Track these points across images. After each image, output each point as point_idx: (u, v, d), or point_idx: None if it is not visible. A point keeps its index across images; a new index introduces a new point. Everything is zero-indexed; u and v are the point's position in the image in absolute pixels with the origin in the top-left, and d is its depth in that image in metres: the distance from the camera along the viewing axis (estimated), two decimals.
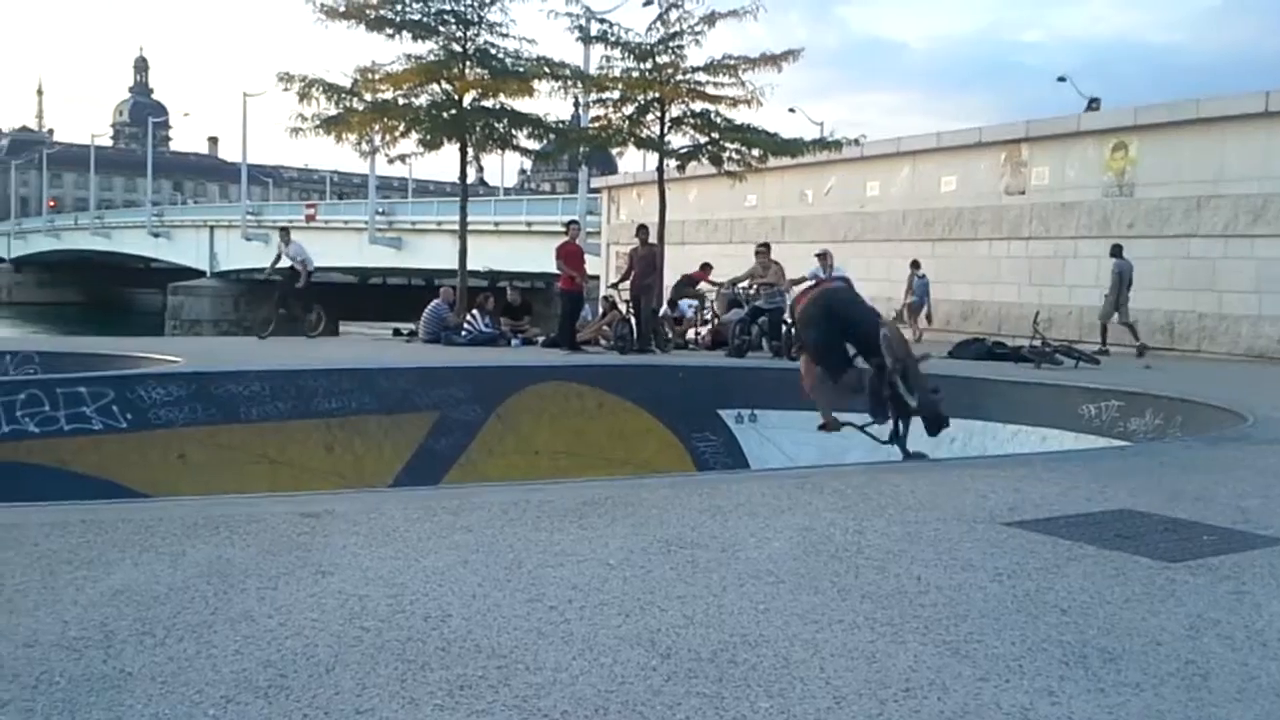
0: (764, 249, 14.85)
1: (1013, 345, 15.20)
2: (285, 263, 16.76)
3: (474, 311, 16.25)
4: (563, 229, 16.52)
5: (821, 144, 19.17)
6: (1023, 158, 18.87)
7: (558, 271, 15.34)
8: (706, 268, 17.60)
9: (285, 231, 17.72)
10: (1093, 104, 20.52)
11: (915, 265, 19.28)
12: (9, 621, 3.01)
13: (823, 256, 14.96)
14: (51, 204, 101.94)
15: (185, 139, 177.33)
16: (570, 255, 14.90)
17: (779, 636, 3.03)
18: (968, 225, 19.72)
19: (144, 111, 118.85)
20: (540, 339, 16.08)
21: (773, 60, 17.40)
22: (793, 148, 18.44)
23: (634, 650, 2.88)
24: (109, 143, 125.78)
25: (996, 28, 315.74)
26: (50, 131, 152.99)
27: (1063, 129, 18.51)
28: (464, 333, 15.80)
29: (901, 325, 16.38)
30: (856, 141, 19.59)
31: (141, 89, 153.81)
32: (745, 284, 14.87)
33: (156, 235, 64.55)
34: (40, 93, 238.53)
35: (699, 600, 3.36)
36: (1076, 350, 13.93)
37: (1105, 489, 5.45)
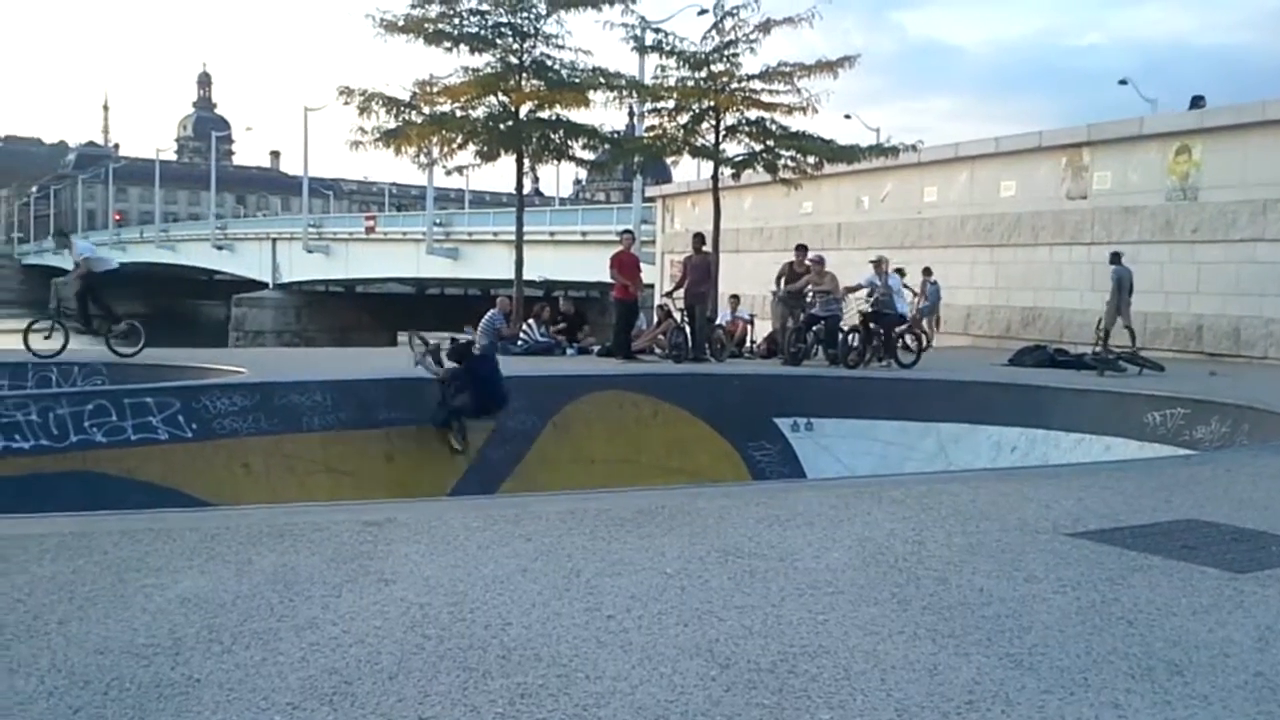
0: (806, 253, 15.09)
1: (1075, 352, 14.98)
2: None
3: (530, 321, 16.35)
4: (617, 238, 16.53)
5: (878, 150, 19.06)
6: (1084, 162, 18.58)
7: (612, 281, 15.37)
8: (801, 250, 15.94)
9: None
10: (1198, 101, 19.75)
11: (928, 272, 19.44)
12: (80, 629, 3.09)
13: (877, 263, 14.86)
14: (118, 218, 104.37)
15: (248, 153, 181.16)
16: (624, 264, 14.91)
17: (839, 648, 3.01)
18: (1028, 230, 19.46)
19: (207, 126, 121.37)
20: (595, 348, 16.13)
21: (828, 67, 17.34)
22: (849, 154, 18.36)
23: (693, 660, 2.88)
24: (173, 157, 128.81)
25: (1054, 31, 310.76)
26: (116, 146, 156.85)
27: (1125, 132, 18.19)
28: (520, 342, 15.90)
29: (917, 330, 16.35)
30: (914, 147, 19.45)
31: (205, 104, 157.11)
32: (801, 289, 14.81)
33: (220, 248, 65.86)
34: (106, 108, 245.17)
35: (757, 610, 3.36)
36: (1140, 357, 13.68)
37: (1170, 498, 5.35)
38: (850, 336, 14.18)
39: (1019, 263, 19.64)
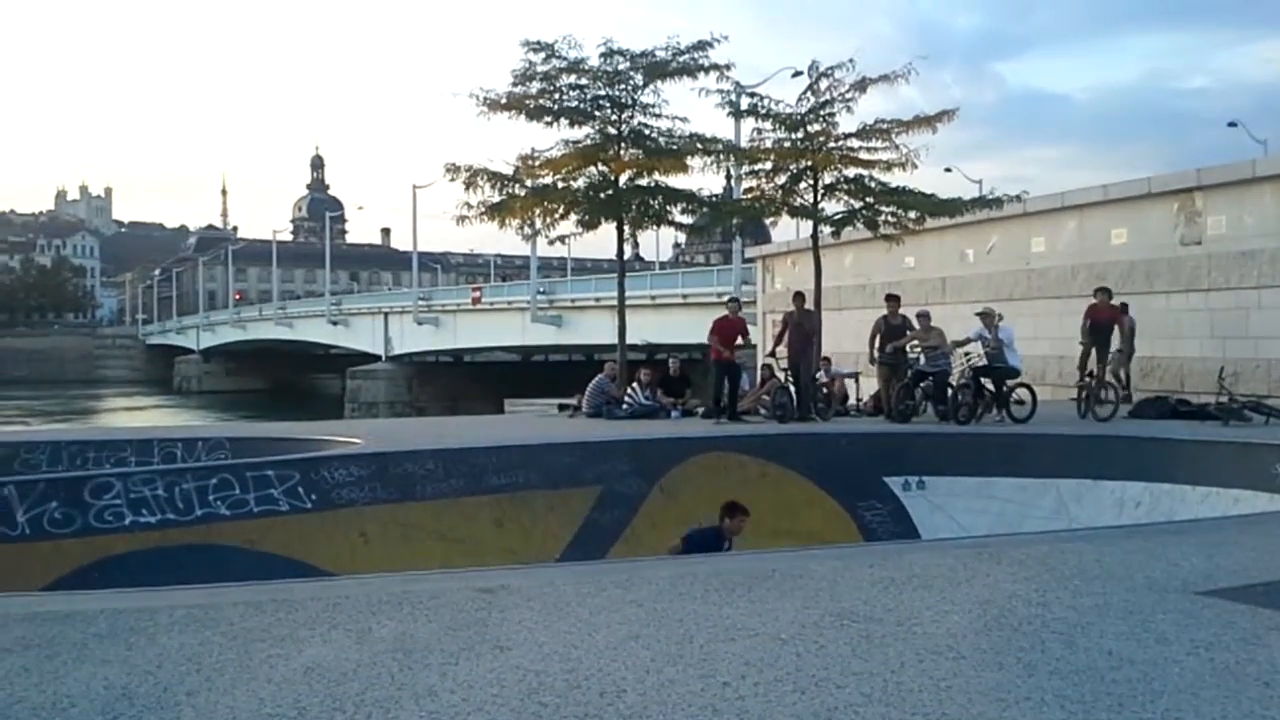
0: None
1: (1197, 402, 14.41)
2: None
3: (634, 384, 16.46)
4: (718, 299, 16.57)
5: (981, 202, 18.79)
6: (1196, 206, 18.02)
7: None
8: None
9: None
10: None
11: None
12: (208, 700, 3.18)
13: (986, 316, 14.58)
14: (238, 297, 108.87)
15: (360, 230, 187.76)
16: (721, 330, 15.02)
17: (962, 716, 2.93)
18: (1141, 278, 18.89)
19: (321, 206, 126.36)
20: (700, 410, 16.12)
21: (927, 121, 17.23)
22: (950, 207, 18.15)
23: None
24: (289, 237, 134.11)
25: (1159, 75, 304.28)
26: (234, 229, 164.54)
27: (1237, 175, 17.61)
28: (624, 406, 15.99)
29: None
30: (1018, 198, 19.11)
31: (318, 185, 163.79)
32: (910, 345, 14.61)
33: (335, 323, 68.03)
34: (224, 192, 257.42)
35: (876, 677, 3.29)
36: (1267, 405, 13.09)
37: None
38: (960, 393, 13.91)
39: (1134, 311, 19.06)
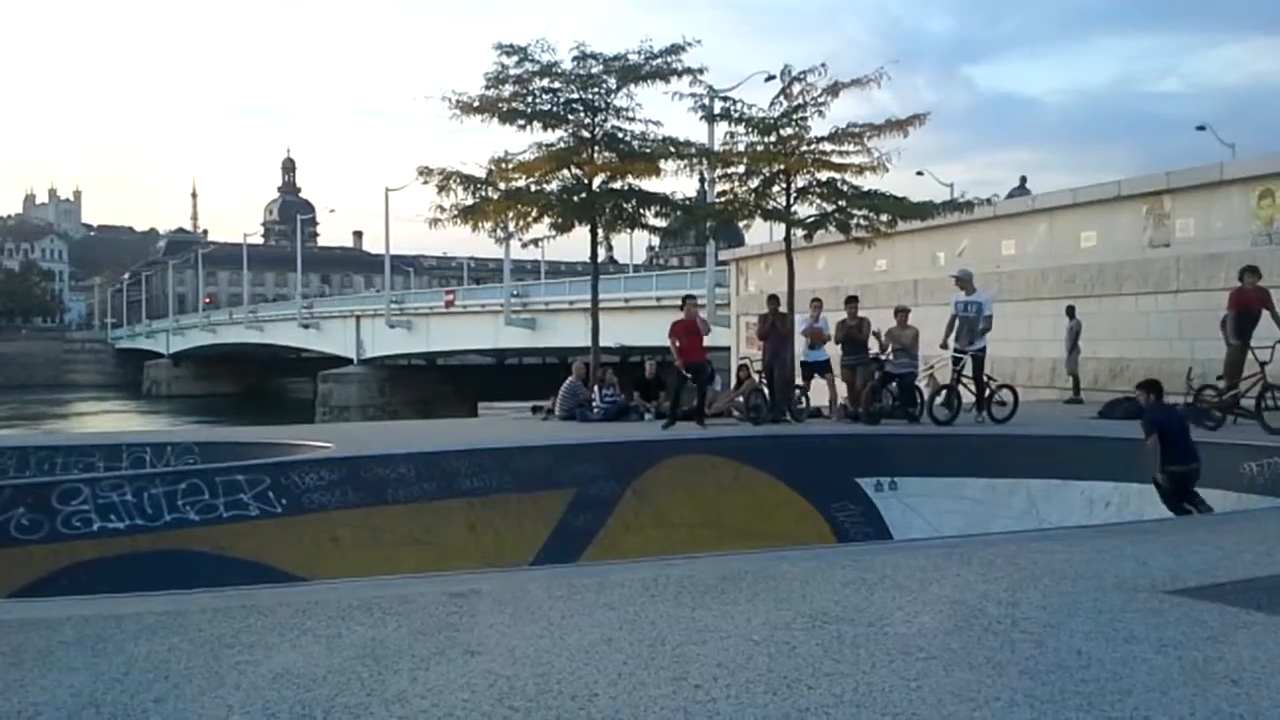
0: (857, 306, 15.08)
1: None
2: None
3: (596, 387, 16.49)
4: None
5: (952, 205, 18.89)
6: (1165, 209, 18.21)
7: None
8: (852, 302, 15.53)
9: None
10: None
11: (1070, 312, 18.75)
12: (176, 707, 3.15)
13: (961, 280, 14.54)
14: (207, 300, 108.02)
15: (331, 234, 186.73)
16: (683, 331, 14.38)
17: (933, 716, 2.94)
18: (1111, 280, 19.07)
19: (292, 209, 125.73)
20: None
21: (899, 125, 17.31)
22: (922, 210, 18.24)
23: None
24: (260, 240, 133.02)
25: (1130, 79, 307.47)
26: (205, 232, 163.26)
27: (1205, 179, 17.80)
28: (596, 409, 15.99)
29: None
30: (989, 201, 19.24)
31: (289, 188, 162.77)
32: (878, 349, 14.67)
33: (306, 326, 67.63)
34: (194, 196, 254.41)
35: (848, 678, 3.30)
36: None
37: (1272, 551, 5.17)
38: (940, 393, 13.92)
39: (1104, 314, 19.21)
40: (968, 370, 14.00)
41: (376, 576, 7.30)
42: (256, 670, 3.49)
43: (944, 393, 14.02)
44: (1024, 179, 26.46)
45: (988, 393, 13.92)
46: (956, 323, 14.20)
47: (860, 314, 15.13)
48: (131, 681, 3.39)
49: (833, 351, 15.26)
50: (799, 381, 15.53)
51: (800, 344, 15.60)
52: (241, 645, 3.81)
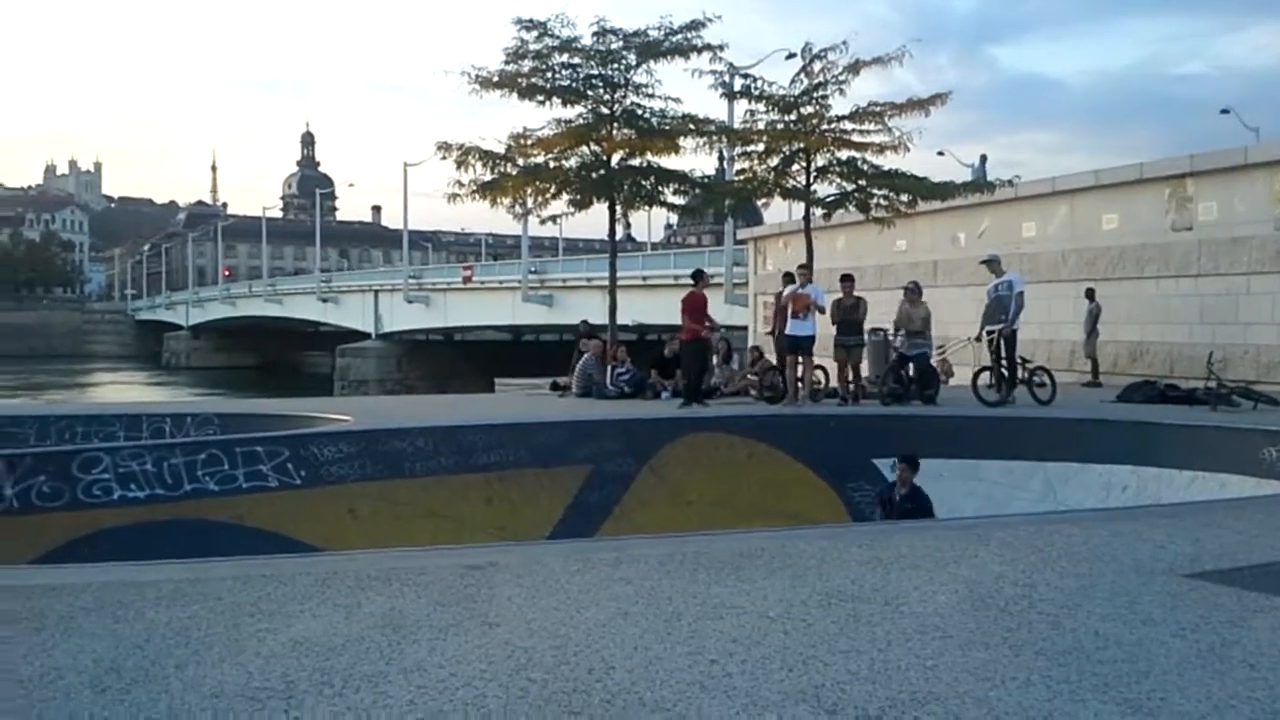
0: (914, 290, 14.64)
1: (1186, 387, 14.46)
2: None
3: (610, 366, 16.46)
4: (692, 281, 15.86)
5: (973, 186, 18.77)
6: (1188, 193, 18.04)
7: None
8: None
9: None
10: None
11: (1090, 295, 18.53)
12: (196, 673, 3.18)
13: (991, 263, 14.38)
14: (226, 273, 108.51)
15: (350, 208, 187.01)
16: (693, 307, 14.48)
17: (949, 694, 2.94)
18: (1132, 264, 18.93)
19: (311, 183, 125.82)
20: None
21: (920, 105, 17.19)
22: (943, 191, 18.13)
23: (798, 706, 2.85)
24: (279, 214, 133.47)
25: (1154, 61, 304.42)
26: (224, 205, 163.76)
27: (1228, 162, 17.62)
28: (611, 386, 16.01)
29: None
30: (1010, 182, 19.09)
31: (309, 162, 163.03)
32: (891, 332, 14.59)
33: (325, 300, 67.84)
34: (214, 169, 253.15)
35: (863, 655, 3.30)
36: (1255, 391, 13.15)
37: None
38: (983, 374, 13.77)
39: (1124, 297, 19.08)
40: (1001, 351, 13.82)
41: (394, 548, 7.35)
42: (276, 638, 3.51)
43: (987, 374, 13.87)
44: (984, 157, 26.26)
45: (1026, 374, 13.79)
46: (989, 305, 14.04)
47: (856, 294, 14.60)
48: (152, 648, 3.42)
49: (824, 332, 14.45)
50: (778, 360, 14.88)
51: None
52: (261, 613, 3.84)
